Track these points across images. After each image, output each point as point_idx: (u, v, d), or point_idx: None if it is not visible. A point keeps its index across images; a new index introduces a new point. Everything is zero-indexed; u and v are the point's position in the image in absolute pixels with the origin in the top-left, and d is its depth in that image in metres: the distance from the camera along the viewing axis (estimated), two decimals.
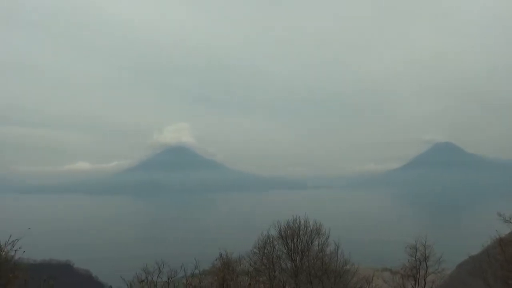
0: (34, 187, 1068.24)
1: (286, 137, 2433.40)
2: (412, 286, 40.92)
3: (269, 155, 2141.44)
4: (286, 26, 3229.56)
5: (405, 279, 41.88)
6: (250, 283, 29.17)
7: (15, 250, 17.83)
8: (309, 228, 42.85)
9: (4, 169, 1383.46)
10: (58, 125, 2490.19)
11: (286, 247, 41.83)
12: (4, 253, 17.49)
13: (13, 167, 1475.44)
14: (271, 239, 41.82)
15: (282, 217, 43.74)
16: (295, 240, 41.94)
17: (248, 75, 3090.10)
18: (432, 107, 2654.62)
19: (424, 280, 41.26)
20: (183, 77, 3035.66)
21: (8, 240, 17.68)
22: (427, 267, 41.45)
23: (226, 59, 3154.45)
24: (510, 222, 34.42)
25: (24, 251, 18.25)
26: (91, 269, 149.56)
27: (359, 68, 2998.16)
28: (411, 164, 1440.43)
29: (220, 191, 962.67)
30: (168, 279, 27.78)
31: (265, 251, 41.17)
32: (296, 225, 42.69)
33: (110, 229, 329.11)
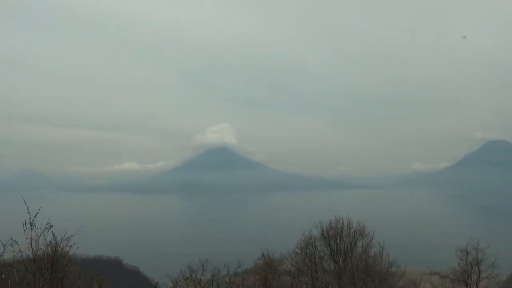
0: (86, 186, 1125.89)
1: (330, 136, 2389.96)
2: None
3: (312, 154, 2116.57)
4: (331, 22, 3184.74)
5: (455, 284, 40.12)
6: (292, 283, 29.13)
7: (70, 246, 18.80)
8: (352, 229, 42.16)
9: (59, 170, 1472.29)
10: (108, 127, 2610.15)
11: (328, 248, 41.38)
12: (60, 248, 18.51)
13: (67, 168, 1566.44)
14: (313, 239, 41.53)
15: (324, 217, 43.27)
16: (338, 241, 41.39)
17: (291, 74, 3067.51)
18: (484, 103, 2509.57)
19: (477, 285, 39.31)
20: (226, 78, 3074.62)
21: (64, 237, 18.69)
22: (479, 272, 39.45)
23: (268, 58, 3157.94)
24: None
25: (78, 247, 19.26)
26: (138, 265, 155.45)
27: (405, 64, 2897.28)
28: (461, 163, 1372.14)
29: (263, 190, 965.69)
30: (212, 277, 28.39)
31: (307, 251, 40.95)
32: (339, 226, 42.13)
33: (156, 227, 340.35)
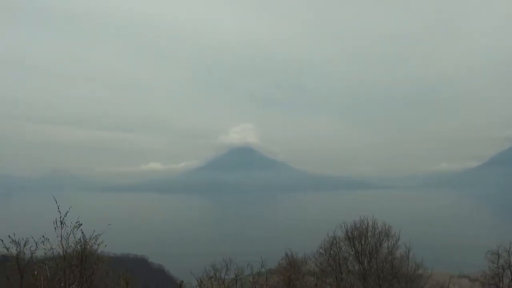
0: (113, 186, 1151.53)
1: (353, 136, 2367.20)
2: None
3: (335, 154, 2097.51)
4: (348, 23, 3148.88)
5: None
6: (316, 284, 28.95)
7: (98, 244, 19.35)
8: (377, 230, 41.45)
9: (88, 170, 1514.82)
10: (133, 128, 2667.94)
11: (353, 249, 40.82)
12: (89, 246, 19.05)
13: (95, 168, 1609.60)
14: (337, 240, 41.07)
15: (348, 217, 42.72)
16: (363, 242, 40.78)
17: (313, 75, 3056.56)
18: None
19: None
20: (248, 78, 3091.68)
21: (92, 235, 19.22)
22: None
23: (289, 59, 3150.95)
24: None
25: (105, 245, 19.76)
26: (163, 264, 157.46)
27: (431, 63, 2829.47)
28: (490, 163, 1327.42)
29: (285, 191, 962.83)
30: (236, 276, 28.51)
31: (331, 252, 40.54)
32: (363, 226, 41.50)
33: (181, 226, 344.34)
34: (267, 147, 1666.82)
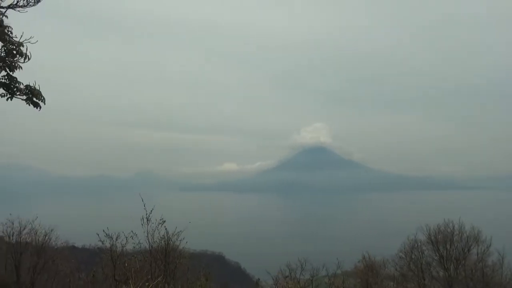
0: (191, 186, 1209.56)
1: (435, 134, 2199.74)
2: None
3: (415, 153, 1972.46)
4: (424, 13, 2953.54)
5: None
6: None
7: (180, 240, 20.64)
8: (465, 234, 38.53)
9: (169, 170, 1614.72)
10: (210, 130, 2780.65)
11: (437, 254, 38.40)
12: (172, 242, 20.42)
13: (176, 168, 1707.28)
14: (419, 243, 38.97)
15: (430, 220, 40.29)
16: (448, 247, 38.16)
17: (388, 69, 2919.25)
18: None
19: None
20: (319, 78, 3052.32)
21: (175, 231, 20.56)
22: None
23: (362, 54, 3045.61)
24: None
25: (186, 242, 20.96)
26: (240, 262, 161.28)
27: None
28: None
29: (361, 191, 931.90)
30: (311, 277, 28.39)
31: (413, 256, 38.59)
32: (448, 230, 38.85)
33: (256, 225, 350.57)
34: (341, 146, 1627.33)
